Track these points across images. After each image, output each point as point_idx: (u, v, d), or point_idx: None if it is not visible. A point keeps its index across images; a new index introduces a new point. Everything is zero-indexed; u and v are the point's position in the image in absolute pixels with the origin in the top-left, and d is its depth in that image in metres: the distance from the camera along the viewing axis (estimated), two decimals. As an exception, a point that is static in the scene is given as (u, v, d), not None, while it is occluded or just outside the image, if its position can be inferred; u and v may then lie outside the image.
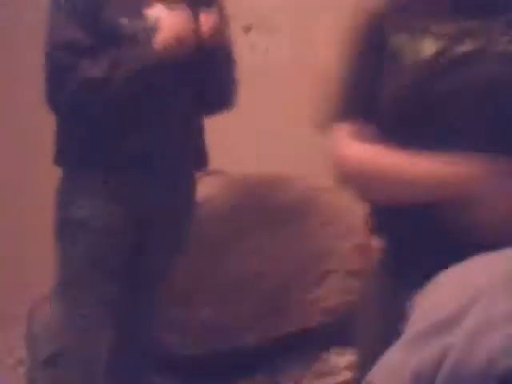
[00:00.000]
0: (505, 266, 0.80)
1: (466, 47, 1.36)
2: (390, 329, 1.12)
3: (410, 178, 1.35)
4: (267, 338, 2.48)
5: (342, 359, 2.47)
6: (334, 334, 2.54)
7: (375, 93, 1.44)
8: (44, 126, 2.18)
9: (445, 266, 0.94)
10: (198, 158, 2.19)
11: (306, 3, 3.14)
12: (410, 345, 0.80)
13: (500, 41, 1.34)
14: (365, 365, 1.42)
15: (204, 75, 2.09)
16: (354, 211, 2.86)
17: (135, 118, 2.01)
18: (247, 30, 3.15)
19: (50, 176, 2.16)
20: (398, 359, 0.81)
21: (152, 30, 1.97)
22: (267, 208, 2.72)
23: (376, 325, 1.40)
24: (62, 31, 1.96)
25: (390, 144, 1.40)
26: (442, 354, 0.76)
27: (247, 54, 3.14)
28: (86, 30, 1.95)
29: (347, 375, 2.42)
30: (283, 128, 3.15)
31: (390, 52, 1.42)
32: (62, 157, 2.10)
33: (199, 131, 2.19)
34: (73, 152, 2.07)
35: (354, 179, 1.45)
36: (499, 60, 1.34)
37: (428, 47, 1.38)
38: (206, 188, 2.78)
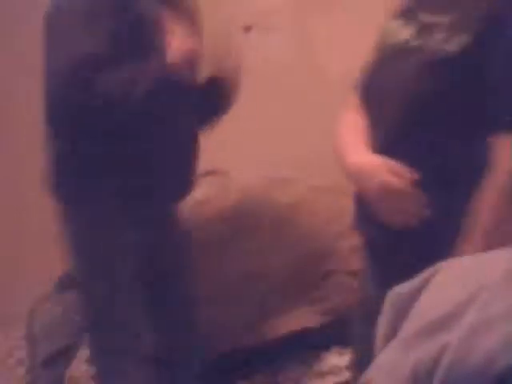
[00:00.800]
0: (502, 265, 0.80)
1: (411, 39, 1.42)
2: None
3: (340, 162, 1.50)
4: (267, 338, 2.48)
5: (342, 359, 2.47)
6: (333, 333, 2.54)
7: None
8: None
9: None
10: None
11: (305, 3, 3.14)
12: (407, 344, 0.80)
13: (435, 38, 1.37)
14: (361, 364, 1.46)
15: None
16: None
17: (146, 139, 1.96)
18: (247, 30, 3.15)
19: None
20: (394, 358, 0.81)
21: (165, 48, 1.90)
22: (267, 208, 2.72)
23: (365, 324, 1.44)
24: (80, 43, 1.81)
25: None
26: (439, 352, 0.76)
27: (247, 54, 3.14)
28: (105, 42, 1.84)
29: (347, 375, 2.42)
30: (283, 128, 3.15)
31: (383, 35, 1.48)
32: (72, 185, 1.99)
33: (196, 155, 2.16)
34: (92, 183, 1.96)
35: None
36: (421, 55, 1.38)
37: (401, 34, 1.43)
38: (206, 188, 2.79)
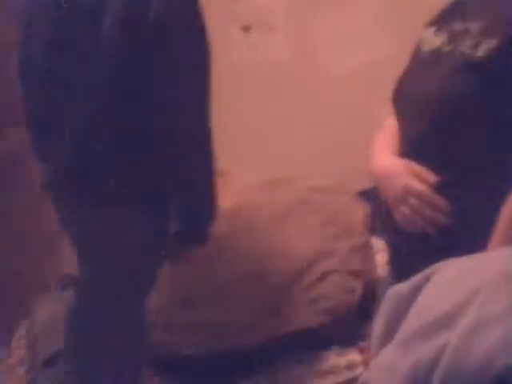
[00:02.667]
0: (500, 266, 0.80)
1: (441, 46, 1.43)
2: None
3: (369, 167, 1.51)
4: (267, 338, 2.48)
5: (342, 359, 2.47)
6: (333, 333, 2.54)
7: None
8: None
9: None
10: None
11: (305, 3, 3.15)
12: (406, 344, 0.80)
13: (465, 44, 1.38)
14: None
15: None
16: (354, 211, 2.87)
17: None
18: (247, 29, 3.15)
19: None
20: (393, 358, 0.81)
21: None
22: (267, 208, 2.73)
23: None
24: None
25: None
26: (438, 352, 0.76)
27: (247, 54, 3.15)
28: None
29: (347, 375, 2.42)
30: (283, 128, 3.15)
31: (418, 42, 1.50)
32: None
33: None
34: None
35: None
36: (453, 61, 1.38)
37: (434, 41, 1.44)
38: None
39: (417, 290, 0.85)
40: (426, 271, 0.87)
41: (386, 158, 1.46)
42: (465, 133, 1.36)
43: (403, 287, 0.87)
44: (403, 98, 1.51)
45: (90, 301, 2.06)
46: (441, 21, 1.49)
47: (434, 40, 1.46)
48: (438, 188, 1.36)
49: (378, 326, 0.88)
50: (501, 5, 1.38)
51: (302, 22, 3.15)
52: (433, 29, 1.49)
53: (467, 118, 1.36)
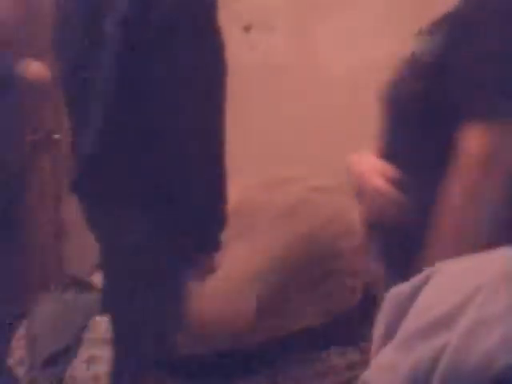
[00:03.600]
0: (500, 266, 0.80)
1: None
2: None
3: None
4: (267, 338, 2.48)
5: (342, 359, 2.48)
6: (333, 333, 2.54)
7: None
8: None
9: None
10: None
11: (305, 3, 3.14)
12: (406, 344, 0.80)
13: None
14: None
15: None
16: (354, 211, 2.87)
17: None
18: (247, 29, 3.15)
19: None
20: (393, 358, 0.81)
21: None
22: (267, 208, 2.73)
23: None
24: None
25: None
26: (438, 352, 0.76)
27: (247, 54, 3.14)
28: None
29: (347, 375, 2.42)
30: (283, 128, 3.15)
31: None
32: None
33: None
34: None
35: None
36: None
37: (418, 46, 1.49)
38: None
39: (417, 290, 0.85)
40: (426, 271, 0.87)
41: (361, 155, 1.58)
42: (413, 131, 1.45)
43: (403, 287, 0.87)
44: (384, 99, 1.59)
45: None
46: (431, 26, 1.54)
47: (418, 45, 1.51)
48: (397, 184, 1.44)
49: (378, 326, 0.88)
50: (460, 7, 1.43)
51: (302, 22, 3.15)
52: (422, 35, 1.54)
53: (414, 116, 1.44)
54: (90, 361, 2.54)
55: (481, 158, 1.30)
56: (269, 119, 3.16)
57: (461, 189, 1.32)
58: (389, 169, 1.47)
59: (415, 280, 0.87)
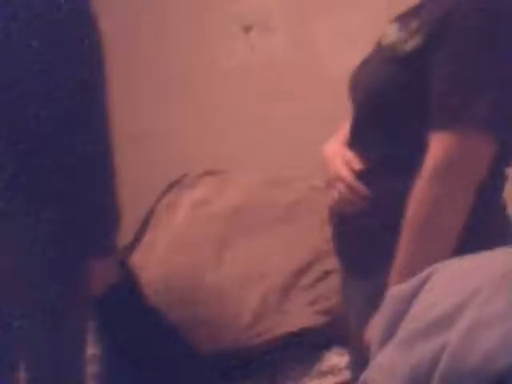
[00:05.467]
0: (501, 265, 0.81)
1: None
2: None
3: None
4: (267, 338, 2.48)
5: (342, 359, 2.47)
6: (333, 334, 2.54)
7: None
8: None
9: None
10: None
11: (305, 3, 3.15)
12: (406, 344, 0.80)
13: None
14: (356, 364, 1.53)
15: None
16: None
17: None
18: (247, 30, 3.15)
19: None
20: (393, 358, 0.81)
21: None
22: (267, 208, 2.72)
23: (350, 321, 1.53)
24: None
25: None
26: (438, 352, 0.76)
27: (247, 54, 3.15)
28: None
29: (347, 375, 2.42)
30: (283, 127, 3.15)
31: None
32: None
33: None
34: None
35: None
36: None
37: (389, 38, 1.50)
38: (205, 188, 2.79)
39: (417, 290, 0.85)
40: (426, 271, 0.87)
41: (332, 144, 1.61)
42: (384, 122, 1.47)
43: (403, 287, 0.88)
44: (350, 87, 1.63)
45: None
46: (400, 17, 1.55)
47: (392, 35, 1.51)
48: (361, 175, 1.47)
49: (378, 326, 0.88)
50: (436, 5, 1.44)
51: (302, 22, 3.15)
52: (397, 25, 1.53)
53: (388, 107, 1.46)
54: None
55: (438, 165, 1.32)
56: (269, 119, 3.16)
57: (419, 195, 1.33)
58: (354, 158, 1.49)
59: (415, 280, 0.87)
